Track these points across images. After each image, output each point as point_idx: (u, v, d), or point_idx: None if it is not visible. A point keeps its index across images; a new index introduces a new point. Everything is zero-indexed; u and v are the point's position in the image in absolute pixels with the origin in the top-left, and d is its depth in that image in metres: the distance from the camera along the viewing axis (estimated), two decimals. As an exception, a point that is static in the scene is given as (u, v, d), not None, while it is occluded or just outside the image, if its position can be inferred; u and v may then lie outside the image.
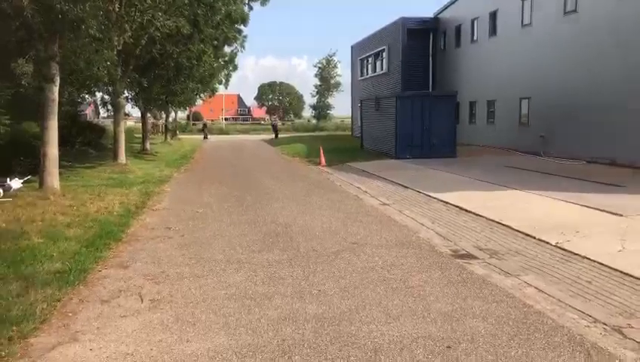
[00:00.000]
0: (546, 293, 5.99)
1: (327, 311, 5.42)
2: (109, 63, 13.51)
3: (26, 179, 8.56)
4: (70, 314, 5.46)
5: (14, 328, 4.96)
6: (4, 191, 6.11)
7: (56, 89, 11.70)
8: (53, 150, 11.97)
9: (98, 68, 13.04)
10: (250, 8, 21.15)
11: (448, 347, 4.57)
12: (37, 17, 10.43)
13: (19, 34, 11.04)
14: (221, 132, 67.37)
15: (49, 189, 11.71)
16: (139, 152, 27.03)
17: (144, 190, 14.09)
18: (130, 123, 49.48)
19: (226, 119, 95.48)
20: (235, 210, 11.56)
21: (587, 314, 5.33)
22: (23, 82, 10.41)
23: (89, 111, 53.36)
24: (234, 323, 5.15)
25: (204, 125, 57.76)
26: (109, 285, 6.41)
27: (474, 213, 10.61)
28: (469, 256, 7.65)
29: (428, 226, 9.70)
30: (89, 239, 8.39)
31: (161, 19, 15.71)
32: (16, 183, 6.46)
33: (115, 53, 15.23)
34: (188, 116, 77.17)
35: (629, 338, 4.77)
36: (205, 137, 51.77)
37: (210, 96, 38.65)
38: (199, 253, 7.82)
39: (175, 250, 8.09)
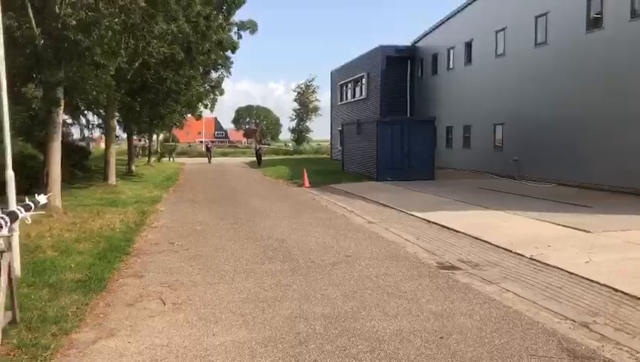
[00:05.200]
0: (522, 297, 6.79)
1: (332, 311, 6.13)
2: (108, 87, 14.15)
3: (49, 195, 9.11)
4: (101, 316, 6.08)
5: (54, 326, 5.56)
6: (34, 206, 6.69)
7: (61, 112, 12.32)
8: (56, 169, 12.52)
9: (98, 92, 13.67)
10: (240, 37, 22.04)
11: (441, 337, 5.32)
12: (47, 46, 11.08)
13: (28, 61, 11.66)
14: (200, 155, 67.59)
15: (52, 207, 12.23)
16: (125, 174, 27.46)
17: (139, 209, 14.67)
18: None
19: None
20: (230, 227, 12.22)
21: (558, 313, 6.14)
22: (33, 106, 11.03)
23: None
24: (252, 321, 5.83)
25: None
26: (129, 291, 7.03)
27: (455, 230, 11.45)
28: (453, 268, 8.44)
29: (413, 242, 10.49)
30: (100, 253, 8.99)
31: (155, 45, 16.41)
32: (43, 199, 7.04)
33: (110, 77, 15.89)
34: (165, 139, 77.17)
35: (594, 332, 5.58)
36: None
37: (197, 119, 39.28)
38: (206, 264, 8.48)
39: (183, 261, 8.73)
